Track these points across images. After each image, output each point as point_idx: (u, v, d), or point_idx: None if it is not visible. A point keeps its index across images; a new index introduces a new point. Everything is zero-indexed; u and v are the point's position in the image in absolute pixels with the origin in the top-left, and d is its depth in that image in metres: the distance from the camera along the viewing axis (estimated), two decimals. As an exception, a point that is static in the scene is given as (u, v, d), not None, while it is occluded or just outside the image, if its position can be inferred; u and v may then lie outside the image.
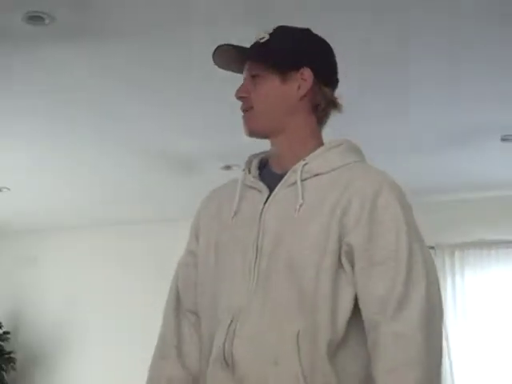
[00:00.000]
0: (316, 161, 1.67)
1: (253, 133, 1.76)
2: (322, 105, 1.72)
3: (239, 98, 1.77)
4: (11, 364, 6.32)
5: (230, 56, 1.76)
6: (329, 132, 1.79)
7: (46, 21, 3.12)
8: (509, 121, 4.34)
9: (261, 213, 1.66)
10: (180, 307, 1.84)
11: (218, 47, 1.74)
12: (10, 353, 6.32)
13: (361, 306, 1.56)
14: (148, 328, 6.34)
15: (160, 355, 1.81)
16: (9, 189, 5.53)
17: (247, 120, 1.76)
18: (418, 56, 3.46)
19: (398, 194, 1.62)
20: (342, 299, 1.56)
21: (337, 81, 1.77)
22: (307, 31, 1.79)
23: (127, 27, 3.25)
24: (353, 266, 1.57)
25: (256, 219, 1.66)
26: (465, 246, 5.98)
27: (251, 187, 1.73)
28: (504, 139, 4.60)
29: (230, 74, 3.92)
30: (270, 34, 1.74)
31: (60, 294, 6.51)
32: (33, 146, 4.75)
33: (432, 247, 5.47)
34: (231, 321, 1.60)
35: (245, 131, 1.77)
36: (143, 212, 6.15)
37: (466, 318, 5.88)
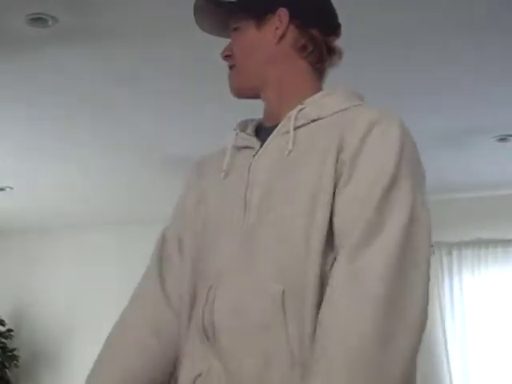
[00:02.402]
0: (313, 105, 1.50)
1: (238, 91, 1.61)
2: (310, 48, 1.53)
3: (224, 57, 1.61)
4: (14, 361, 6.33)
5: (210, 17, 1.61)
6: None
7: (49, 22, 3.11)
8: (504, 120, 4.34)
9: (249, 166, 1.50)
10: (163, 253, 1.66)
11: (195, 4, 1.59)
12: (13, 350, 6.33)
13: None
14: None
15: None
16: (12, 188, 5.53)
17: (231, 80, 1.61)
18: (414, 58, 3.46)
19: (399, 129, 1.40)
20: (332, 256, 1.34)
21: (333, 24, 1.59)
22: None
23: (129, 29, 3.25)
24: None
25: (244, 174, 1.50)
26: (462, 245, 5.99)
27: (244, 147, 1.57)
28: (501, 139, 4.61)
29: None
30: None
31: (62, 292, 6.51)
32: (35, 146, 4.75)
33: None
34: (211, 286, 1.42)
35: (231, 92, 1.62)
36: (143, 212, 6.16)
37: (464, 316, 5.88)
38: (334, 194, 1.36)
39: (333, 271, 1.30)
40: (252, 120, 1.63)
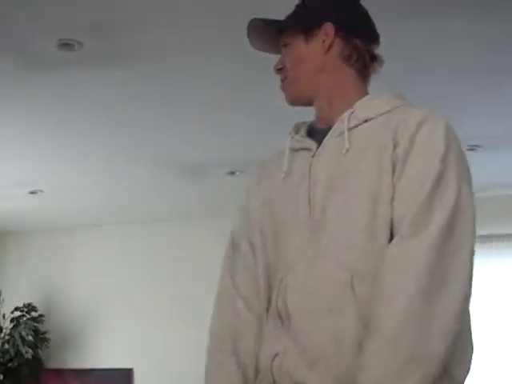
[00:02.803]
0: (363, 108, 1.48)
1: (292, 100, 1.59)
2: (354, 56, 1.52)
3: (276, 71, 1.60)
4: (45, 343, 6.32)
5: (263, 36, 1.60)
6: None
7: (76, 47, 3.12)
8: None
9: (310, 166, 1.47)
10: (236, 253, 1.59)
11: (250, 24, 1.58)
12: (44, 333, 6.33)
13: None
14: (167, 310, 6.39)
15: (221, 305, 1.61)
16: (42, 191, 5.53)
17: (284, 90, 1.59)
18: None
19: (443, 131, 1.38)
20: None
21: (372, 34, 1.57)
22: None
23: (146, 53, 3.27)
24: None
25: (305, 174, 1.47)
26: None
27: (300, 149, 1.54)
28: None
29: (233, 96, 3.92)
30: (296, 5, 1.60)
31: (87, 282, 6.52)
32: (62, 156, 4.77)
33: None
34: (282, 277, 1.42)
35: (286, 101, 1.60)
36: (159, 212, 6.15)
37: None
38: (392, 190, 1.36)
39: (383, 257, 1.30)
40: (303, 123, 1.61)
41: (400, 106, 1.48)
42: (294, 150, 1.55)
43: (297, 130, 1.59)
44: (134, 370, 6.19)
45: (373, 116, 1.46)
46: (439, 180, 1.33)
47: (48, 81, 3.50)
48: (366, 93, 1.54)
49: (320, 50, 1.52)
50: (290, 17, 1.58)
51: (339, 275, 1.34)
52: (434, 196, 1.31)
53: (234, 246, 1.61)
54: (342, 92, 1.52)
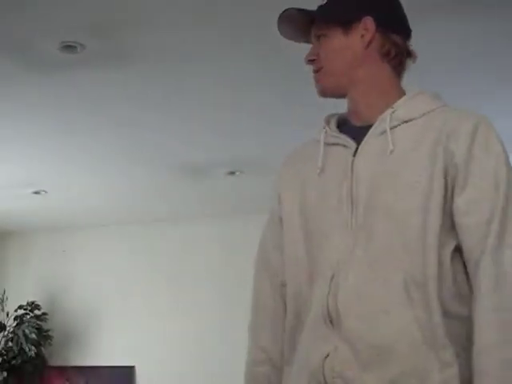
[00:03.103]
0: (403, 108, 1.43)
1: (324, 91, 1.52)
2: (393, 52, 1.47)
3: (308, 61, 1.53)
4: (48, 341, 6.31)
5: (295, 25, 1.53)
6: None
7: (78, 49, 3.12)
8: None
9: (351, 165, 1.42)
10: (269, 268, 1.56)
11: (283, 13, 1.51)
12: (47, 331, 6.32)
13: (460, 236, 1.33)
14: (168, 309, 6.40)
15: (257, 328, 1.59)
16: (46, 192, 5.53)
17: (317, 81, 1.52)
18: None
19: (496, 133, 1.38)
20: (448, 242, 1.33)
21: (408, 30, 1.52)
22: None
23: (146, 54, 3.27)
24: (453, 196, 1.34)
25: (346, 172, 1.42)
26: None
27: (334, 144, 1.49)
28: None
29: (233, 96, 3.92)
30: None
31: (89, 280, 6.51)
32: (66, 158, 4.77)
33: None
34: (333, 275, 1.36)
35: (317, 92, 1.53)
36: (160, 212, 6.16)
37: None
38: (445, 194, 1.33)
39: (480, 274, 1.29)
40: (333, 115, 1.56)
41: (439, 108, 1.44)
42: (328, 145, 1.50)
43: (327, 122, 1.54)
44: (136, 367, 6.19)
45: (413, 117, 1.42)
46: (509, 188, 1.33)
47: (51, 82, 3.51)
48: (401, 90, 1.50)
49: (359, 44, 1.47)
50: (326, 7, 1.51)
51: (392, 278, 1.32)
52: (509, 205, 1.32)
53: (263, 258, 1.58)
54: (379, 88, 1.48)
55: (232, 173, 5.04)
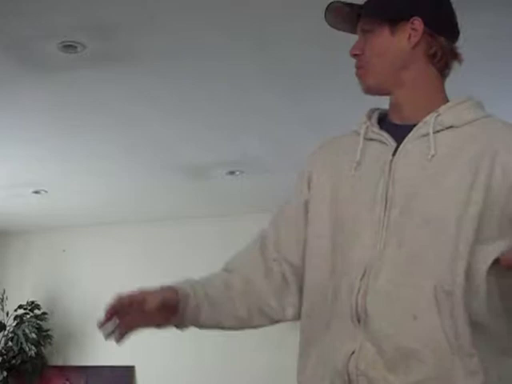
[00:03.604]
0: (449, 113, 1.40)
1: (369, 89, 1.49)
2: (439, 54, 1.44)
3: (353, 55, 1.49)
4: (48, 340, 6.28)
5: (342, 15, 1.50)
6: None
7: (78, 49, 3.11)
8: None
9: (390, 164, 1.39)
10: (266, 251, 1.54)
11: (330, 5, 1.49)
12: (47, 330, 6.29)
13: None
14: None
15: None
16: (46, 191, 5.51)
17: (362, 77, 1.49)
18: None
19: None
20: (481, 255, 1.29)
21: (457, 31, 1.49)
22: None
23: (145, 53, 3.27)
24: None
25: (384, 170, 1.39)
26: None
27: (372, 139, 1.46)
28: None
29: (235, 96, 3.91)
30: None
31: (88, 280, 6.49)
32: (66, 157, 4.74)
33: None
34: (363, 274, 1.33)
35: (362, 89, 1.50)
36: (160, 211, 6.14)
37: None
38: (482, 204, 1.30)
39: None
40: (374, 110, 1.53)
41: (484, 118, 1.42)
42: (367, 140, 1.46)
43: (369, 117, 1.50)
44: (136, 367, 6.16)
45: (458, 124, 1.39)
46: None
47: (51, 81, 3.49)
48: (445, 94, 1.47)
49: (406, 44, 1.43)
50: (374, 3, 1.48)
51: (423, 284, 1.29)
52: None
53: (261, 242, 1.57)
54: (424, 90, 1.45)
55: (232, 172, 5.03)
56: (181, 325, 1.52)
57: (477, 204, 1.30)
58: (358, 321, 1.32)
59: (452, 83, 1.49)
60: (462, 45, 1.49)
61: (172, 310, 1.48)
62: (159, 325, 1.55)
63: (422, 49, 1.44)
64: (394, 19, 1.44)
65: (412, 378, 1.27)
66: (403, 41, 1.43)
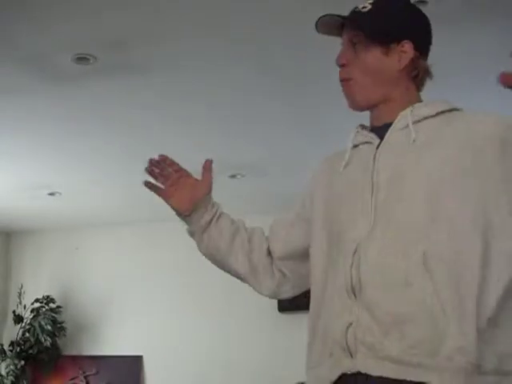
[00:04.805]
0: (421, 106, 1.43)
1: (357, 104, 1.49)
2: (420, 74, 1.46)
3: (340, 65, 1.47)
4: (62, 332, 6.30)
5: (331, 22, 1.48)
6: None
7: (91, 61, 3.12)
8: None
9: (374, 156, 1.41)
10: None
11: (321, 18, 1.47)
12: (61, 323, 6.30)
13: None
14: (174, 302, 6.36)
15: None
16: (60, 193, 5.52)
17: (349, 93, 1.48)
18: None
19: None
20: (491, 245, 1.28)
21: (429, 49, 1.50)
22: (408, 2, 1.52)
23: (154, 65, 3.27)
24: None
25: (369, 162, 1.41)
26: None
27: (362, 143, 1.47)
28: None
29: (237, 100, 3.90)
30: (372, 4, 1.46)
31: (99, 276, 6.50)
32: (79, 160, 4.76)
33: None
34: (355, 249, 1.34)
35: (348, 104, 1.50)
36: (166, 212, 6.11)
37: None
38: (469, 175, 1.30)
39: None
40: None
41: (457, 110, 1.43)
42: (356, 146, 1.49)
43: (361, 126, 1.52)
44: (144, 357, 6.16)
45: (433, 113, 1.41)
46: None
47: (65, 91, 3.51)
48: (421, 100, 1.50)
49: (395, 65, 1.44)
50: (368, 19, 1.45)
51: (412, 251, 1.28)
52: None
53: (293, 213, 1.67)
54: (405, 102, 1.45)
55: (233, 176, 5.03)
56: (188, 219, 1.75)
57: (463, 174, 1.30)
58: (354, 293, 1.33)
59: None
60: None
61: (194, 200, 1.72)
62: (176, 203, 1.78)
63: (409, 69, 1.45)
64: (387, 41, 1.43)
65: (406, 342, 1.26)
66: (393, 62, 1.43)
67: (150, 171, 1.77)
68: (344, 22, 1.47)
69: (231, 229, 1.68)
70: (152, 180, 1.78)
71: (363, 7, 1.46)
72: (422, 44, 1.47)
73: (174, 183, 1.75)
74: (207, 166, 1.79)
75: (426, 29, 1.49)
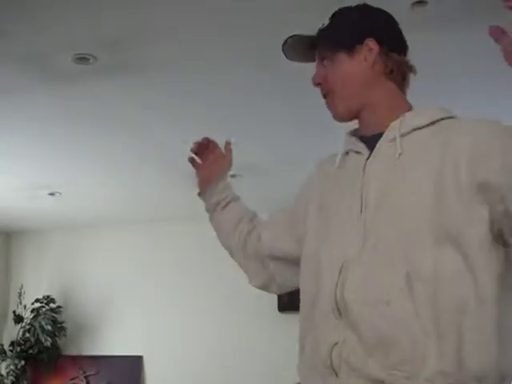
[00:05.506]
0: (412, 116, 1.40)
1: (340, 115, 1.49)
2: (395, 70, 1.44)
3: (316, 85, 1.49)
4: (62, 332, 6.32)
5: (298, 49, 1.50)
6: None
7: (91, 61, 3.12)
8: None
9: (364, 167, 1.40)
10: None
11: (286, 41, 1.49)
12: (61, 323, 6.32)
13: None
14: (174, 303, 6.37)
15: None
16: (60, 193, 5.53)
17: (331, 106, 1.48)
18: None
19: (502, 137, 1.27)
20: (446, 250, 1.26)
21: (405, 46, 1.48)
22: (364, 5, 1.51)
23: (153, 65, 3.27)
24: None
25: (359, 175, 1.39)
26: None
27: (351, 151, 1.47)
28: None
29: (235, 99, 3.91)
30: (330, 18, 1.49)
31: (100, 276, 6.51)
32: (79, 160, 4.76)
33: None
34: (341, 268, 1.33)
35: (333, 116, 1.50)
36: (167, 212, 6.15)
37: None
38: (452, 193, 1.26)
39: None
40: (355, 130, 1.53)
41: (448, 118, 1.39)
42: (347, 152, 1.49)
43: (351, 132, 1.52)
44: (144, 357, 6.17)
45: (422, 124, 1.37)
46: None
47: (65, 91, 3.50)
48: (408, 104, 1.46)
49: (365, 65, 1.43)
50: (328, 32, 1.47)
51: (395, 270, 1.27)
52: None
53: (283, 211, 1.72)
54: (388, 105, 1.44)
55: (233, 176, 5.03)
56: (203, 192, 1.98)
57: (451, 195, 1.27)
58: (339, 312, 1.32)
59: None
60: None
61: (214, 175, 1.93)
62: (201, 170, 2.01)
63: (380, 67, 1.43)
64: (350, 44, 1.43)
65: (389, 362, 1.25)
66: (362, 62, 1.43)
67: (194, 151, 2.00)
68: (310, 44, 1.49)
69: (234, 220, 1.83)
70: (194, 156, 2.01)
71: (323, 24, 1.48)
72: (388, 39, 1.45)
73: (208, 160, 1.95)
74: (227, 147, 1.94)
75: (387, 23, 1.49)
